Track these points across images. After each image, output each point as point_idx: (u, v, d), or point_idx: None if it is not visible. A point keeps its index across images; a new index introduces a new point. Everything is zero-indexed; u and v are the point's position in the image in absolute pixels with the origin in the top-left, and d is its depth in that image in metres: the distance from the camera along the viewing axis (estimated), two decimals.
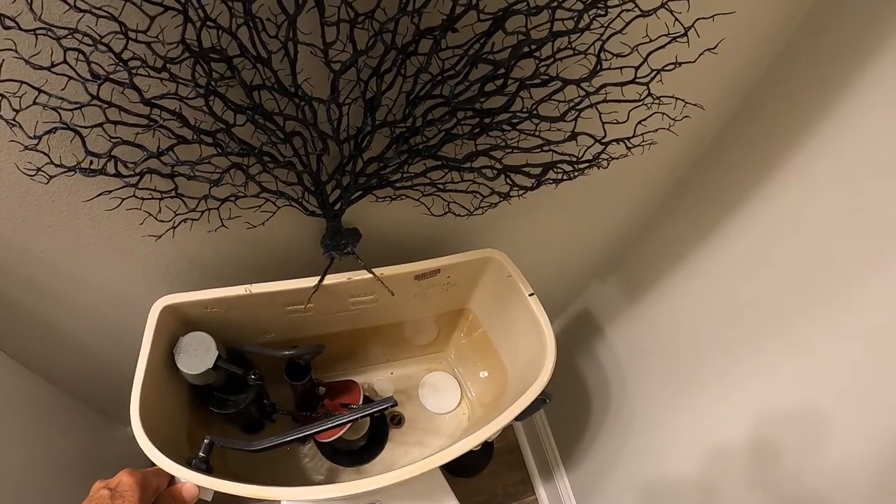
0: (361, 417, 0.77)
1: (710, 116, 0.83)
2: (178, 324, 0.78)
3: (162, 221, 0.68)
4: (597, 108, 0.64)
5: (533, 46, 0.57)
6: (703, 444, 0.95)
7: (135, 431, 0.66)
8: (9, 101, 0.50)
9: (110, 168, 0.58)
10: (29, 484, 0.92)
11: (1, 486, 0.86)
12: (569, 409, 1.43)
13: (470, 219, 0.84)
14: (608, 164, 0.72)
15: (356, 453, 1.05)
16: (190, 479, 0.65)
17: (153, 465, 0.65)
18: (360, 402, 0.96)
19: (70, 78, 0.48)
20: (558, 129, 0.66)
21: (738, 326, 0.86)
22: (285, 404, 1.00)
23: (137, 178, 0.61)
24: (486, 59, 0.58)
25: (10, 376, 0.93)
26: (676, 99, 0.67)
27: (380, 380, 1.12)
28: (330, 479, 1.01)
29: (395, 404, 0.76)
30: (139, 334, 0.72)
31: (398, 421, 1.09)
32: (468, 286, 0.92)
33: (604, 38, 0.57)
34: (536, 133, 0.66)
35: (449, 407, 1.10)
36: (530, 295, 0.82)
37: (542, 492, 1.60)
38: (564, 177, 0.74)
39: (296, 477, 1.00)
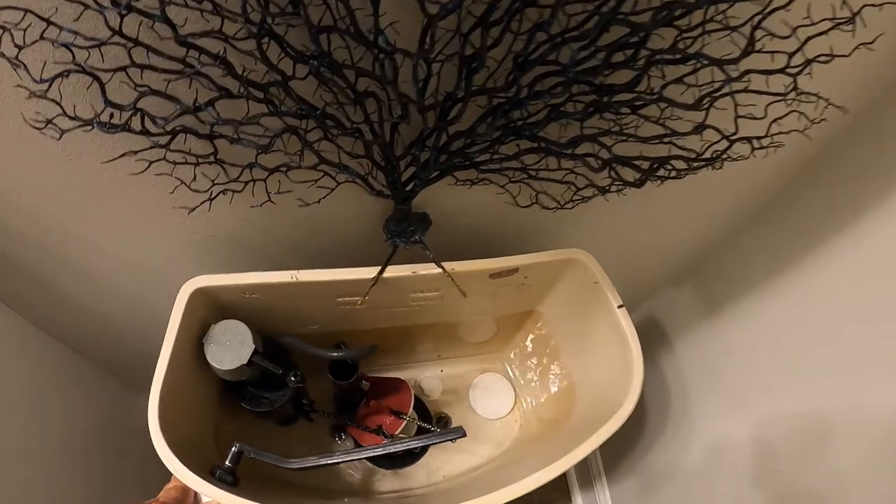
0: (420, 445, 0.64)
1: (841, 120, 0.66)
2: (211, 309, 0.66)
3: (197, 192, 0.55)
4: (734, 98, 0.50)
5: (681, 11, 0.42)
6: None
7: (152, 436, 0.55)
8: (11, 35, 0.37)
9: (135, 124, 0.46)
10: (45, 450, 0.84)
11: (15, 451, 0.77)
12: None
13: (550, 217, 0.71)
14: (721, 166, 0.59)
15: (396, 456, 0.92)
16: (212, 496, 0.54)
17: None
18: (411, 407, 0.83)
19: (85, 6, 0.36)
20: (681, 119, 0.51)
21: (830, 362, 0.72)
22: (323, 398, 0.88)
23: (168, 137, 0.48)
24: (624, 20, 0.43)
25: (31, 338, 0.83)
26: (819, 98, 0.52)
27: (428, 377, 1.00)
28: (366, 481, 0.90)
29: (464, 435, 0.63)
30: (168, 314, 0.60)
31: (444, 423, 0.97)
32: (543, 288, 0.78)
33: (765, 11, 0.42)
34: (661, 120, 0.51)
35: (500, 412, 0.98)
36: (619, 307, 0.68)
37: (579, 502, 1.47)
38: (674, 174, 0.60)
39: (328, 476, 0.89)
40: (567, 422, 0.80)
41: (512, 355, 1.00)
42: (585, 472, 1.42)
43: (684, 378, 1.07)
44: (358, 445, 0.90)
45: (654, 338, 1.16)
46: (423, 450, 0.93)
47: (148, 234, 0.65)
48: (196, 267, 0.69)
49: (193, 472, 0.54)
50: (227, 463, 0.59)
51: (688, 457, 1.04)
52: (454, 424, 0.97)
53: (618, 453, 1.30)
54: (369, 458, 0.91)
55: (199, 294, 0.63)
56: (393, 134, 0.51)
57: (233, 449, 0.59)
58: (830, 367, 0.72)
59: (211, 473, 0.58)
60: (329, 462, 0.60)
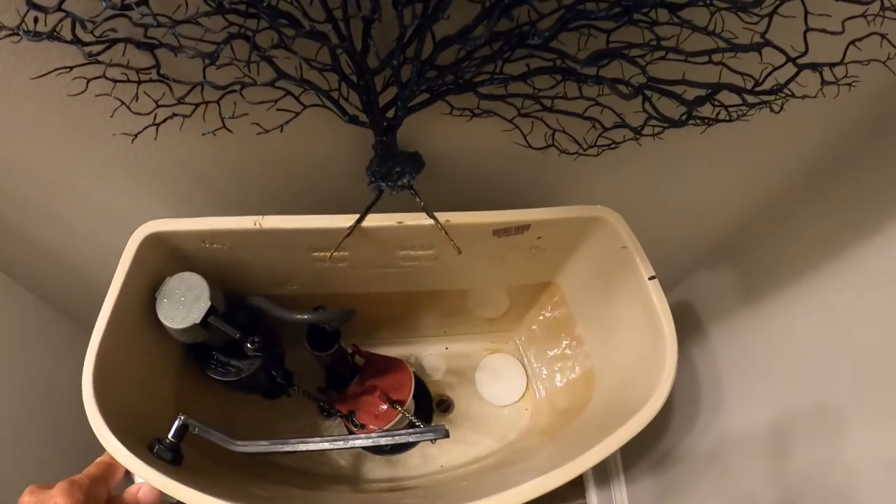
0: (389, 444, 0.54)
1: None
2: (168, 260, 0.58)
3: (139, 115, 0.46)
4: (804, 3, 0.39)
5: None
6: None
7: (84, 399, 0.48)
8: None
9: (65, 31, 0.38)
10: (28, 413, 0.80)
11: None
12: None
13: (568, 166, 0.60)
14: (782, 107, 0.47)
15: None
16: (141, 474, 0.46)
17: None
18: (410, 396, 0.73)
19: None
20: (734, 35, 0.39)
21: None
22: (310, 374, 0.79)
23: (102, 46, 0.40)
24: None
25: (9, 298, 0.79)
26: None
27: (430, 355, 0.90)
28: (356, 467, 0.81)
29: (447, 436, 0.53)
30: None
31: (446, 407, 0.87)
32: (561, 254, 0.67)
33: None
34: (710, 30, 0.39)
35: (510, 399, 0.88)
36: (650, 279, 0.56)
37: (593, 498, 1.37)
38: (723, 114, 0.49)
39: (314, 459, 0.80)
40: (582, 414, 0.69)
41: (525, 335, 0.89)
42: (602, 468, 1.32)
43: (718, 369, 0.95)
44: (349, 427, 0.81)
45: (686, 326, 1.04)
46: None
47: (99, 166, 0.56)
48: (154, 207, 0.60)
49: (127, 445, 0.46)
50: (168, 437, 0.50)
51: (716, 460, 0.92)
52: (458, 409, 0.87)
53: (640, 449, 1.19)
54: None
55: (152, 241, 0.55)
56: (365, 38, 0.40)
57: (176, 422, 0.50)
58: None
59: (148, 448, 0.49)
60: (282, 450, 0.51)
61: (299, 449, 0.51)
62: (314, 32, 0.38)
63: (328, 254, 0.55)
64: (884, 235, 0.61)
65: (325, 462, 0.81)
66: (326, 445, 0.51)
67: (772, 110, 0.48)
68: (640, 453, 1.18)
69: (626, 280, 0.59)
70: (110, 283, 0.52)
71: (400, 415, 0.73)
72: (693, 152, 0.65)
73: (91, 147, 0.53)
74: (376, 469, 0.81)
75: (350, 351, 0.80)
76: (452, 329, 0.90)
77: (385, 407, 0.75)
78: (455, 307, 0.82)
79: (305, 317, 0.56)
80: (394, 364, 0.84)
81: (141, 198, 0.61)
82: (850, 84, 0.45)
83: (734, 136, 0.60)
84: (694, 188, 0.73)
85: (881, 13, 0.40)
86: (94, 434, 0.47)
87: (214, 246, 0.57)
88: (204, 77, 0.43)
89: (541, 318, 0.83)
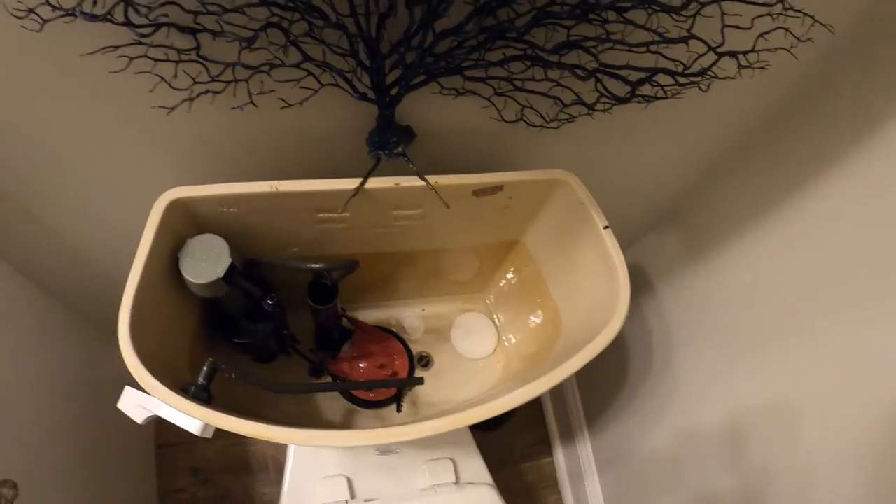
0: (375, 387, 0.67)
1: (830, 44, 0.69)
2: (188, 224, 0.67)
3: (178, 90, 0.56)
4: (720, 6, 0.53)
5: None
6: (754, 427, 0.84)
7: (121, 345, 0.55)
8: None
9: (118, 14, 0.47)
10: (17, 398, 0.84)
11: None
12: (601, 369, 1.33)
13: (534, 137, 0.73)
14: (708, 87, 0.62)
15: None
16: (186, 410, 0.54)
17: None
18: (395, 367, 0.85)
19: None
20: (667, 31, 0.54)
21: (805, 309, 0.75)
22: (304, 338, 0.90)
23: (152, 29, 0.49)
24: None
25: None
26: (805, 15, 0.57)
27: (409, 316, 1.02)
28: (347, 421, 0.92)
29: (422, 382, 0.66)
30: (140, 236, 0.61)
31: (426, 363, 0.99)
32: (528, 212, 0.80)
33: None
34: (647, 26, 0.54)
35: (482, 353, 1.00)
36: (605, 228, 0.70)
37: (560, 456, 1.51)
38: (660, 93, 0.64)
39: (308, 415, 0.91)
40: (550, 354, 0.83)
41: (493, 294, 1.03)
42: (567, 425, 1.46)
43: (667, 324, 1.09)
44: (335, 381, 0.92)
45: (637, 285, 1.18)
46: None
47: (125, 140, 0.65)
48: (176, 180, 0.69)
49: (169, 387, 0.54)
50: (200, 380, 0.60)
51: (671, 402, 1.07)
52: (437, 364, 1.00)
53: (600, 405, 1.33)
54: (350, 398, 0.93)
55: (175, 206, 0.64)
56: (379, 29, 0.52)
57: (206, 366, 0.60)
58: (805, 319, 0.75)
59: (183, 391, 0.57)
60: (314, 389, 0.62)
61: (328, 389, 0.62)
62: (339, 24, 0.50)
63: (338, 210, 0.66)
64: (800, 194, 0.76)
65: (319, 417, 0.92)
66: (346, 386, 0.62)
67: (700, 89, 0.63)
68: (602, 407, 1.31)
69: (585, 232, 0.73)
70: (124, 275, 0.59)
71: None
72: (637, 126, 0.78)
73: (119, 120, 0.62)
74: (366, 421, 0.93)
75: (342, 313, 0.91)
76: (429, 292, 1.02)
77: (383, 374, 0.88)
78: (430, 271, 0.95)
79: (318, 266, 0.67)
80: (381, 339, 0.96)
81: (164, 171, 0.70)
82: (762, 67, 0.61)
83: (671, 112, 0.74)
84: (639, 156, 0.88)
85: (783, 12, 0.55)
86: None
87: (231, 210, 0.67)
88: (238, 58, 0.53)
89: (509, 275, 0.96)
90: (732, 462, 0.87)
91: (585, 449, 1.39)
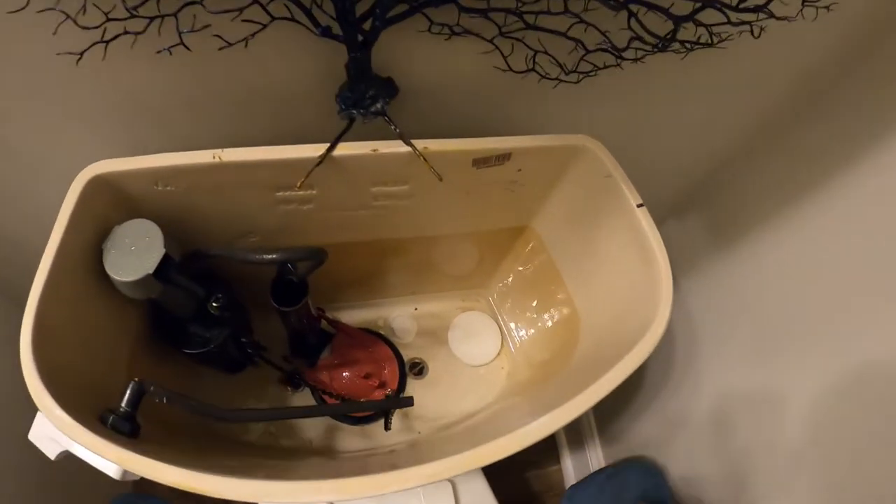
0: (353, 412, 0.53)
1: None
2: (117, 208, 0.54)
3: (86, 28, 0.42)
4: None
5: None
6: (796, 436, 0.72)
7: (22, 360, 0.43)
8: None
9: None
10: None
11: None
12: None
13: (548, 96, 0.59)
14: (760, 33, 0.51)
15: None
16: (98, 450, 0.41)
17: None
18: (382, 376, 0.72)
19: None
20: None
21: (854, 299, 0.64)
22: (277, 347, 0.76)
23: None
24: None
25: None
26: None
27: (400, 317, 0.89)
28: (328, 439, 0.79)
29: (411, 404, 0.53)
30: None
31: (419, 370, 0.86)
32: (540, 189, 0.66)
33: None
34: None
35: (485, 358, 0.88)
36: (639, 206, 0.56)
37: (568, 463, 1.39)
38: (704, 37, 0.52)
39: (286, 434, 0.78)
40: (568, 365, 0.70)
41: (497, 291, 0.90)
42: (576, 431, 1.34)
43: (691, 320, 0.97)
44: (314, 392, 0.79)
45: None
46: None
47: (36, 100, 0.51)
48: (98, 154, 0.56)
49: (74, 416, 0.41)
50: (122, 406, 0.46)
51: (693, 412, 0.94)
52: (432, 372, 0.86)
53: (615, 409, 1.21)
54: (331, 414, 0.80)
55: (98, 184, 0.51)
56: None
57: (130, 386, 0.46)
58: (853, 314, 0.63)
59: (101, 421, 0.45)
60: (258, 416, 0.48)
61: (276, 417, 0.49)
62: None
63: (297, 184, 0.51)
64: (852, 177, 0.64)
65: (294, 435, 0.79)
66: (308, 412, 0.49)
67: (752, 34, 0.50)
68: (615, 412, 1.20)
69: (612, 211, 0.59)
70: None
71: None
72: (671, 86, 0.65)
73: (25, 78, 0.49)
74: (351, 440, 0.80)
75: (316, 314, 0.77)
76: (422, 288, 0.89)
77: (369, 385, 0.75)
78: (423, 263, 0.81)
79: (271, 256, 0.52)
80: (369, 343, 0.83)
81: (81, 141, 0.56)
82: (828, 6, 0.48)
83: (712, 66, 0.61)
84: (670, 125, 0.74)
85: None
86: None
87: (168, 188, 0.53)
88: None
89: (516, 268, 0.83)
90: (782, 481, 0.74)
91: (596, 455, 1.27)
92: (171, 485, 0.40)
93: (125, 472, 0.44)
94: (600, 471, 0.99)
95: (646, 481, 0.91)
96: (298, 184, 0.50)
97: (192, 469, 0.41)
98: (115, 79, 0.50)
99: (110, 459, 0.40)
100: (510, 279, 0.86)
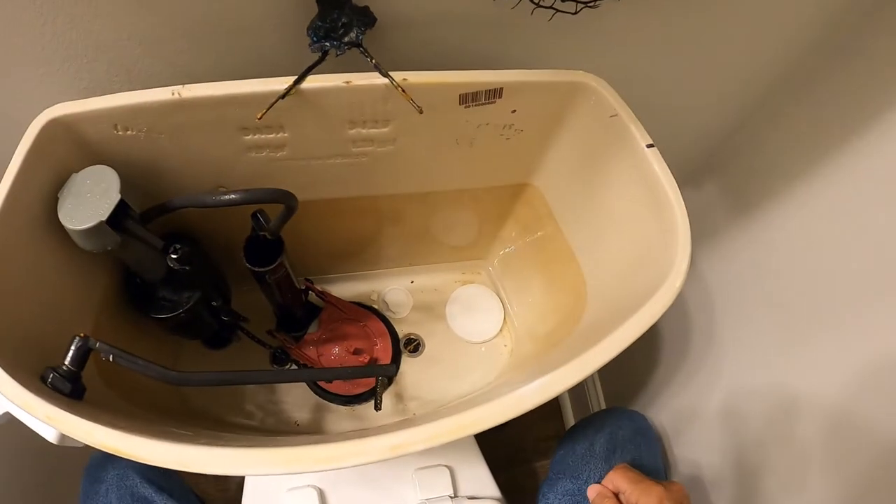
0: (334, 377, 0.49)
1: None
2: (76, 154, 0.50)
3: None
4: None
5: None
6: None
7: None
8: None
9: None
10: None
11: None
12: (627, 353, 1.14)
13: (543, 32, 0.55)
14: None
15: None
16: (31, 410, 0.37)
17: None
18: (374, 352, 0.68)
19: None
20: None
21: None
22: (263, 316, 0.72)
23: None
24: None
25: None
26: None
27: (395, 289, 0.84)
28: (316, 420, 0.75)
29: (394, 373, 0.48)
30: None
31: (415, 347, 0.82)
32: (539, 137, 0.61)
33: None
34: None
35: (486, 334, 0.83)
36: (649, 146, 0.51)
37: None
38: None
39: (273, 411, 0.74)
40: (571, 332, 0.65)
41: (498, 260, 0.85)
42: (586, 414, 1.29)
43: (710, 296, 0.92)
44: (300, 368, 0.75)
45: None
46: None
47: None
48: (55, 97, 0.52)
49: (10, 373, 0.37)
50: (65, 364, 0.42)
51: (712, 395, 0.89)
52: (428, 349, 0.82)
53: (627, 394, 1.16)
54: (318, 390, 0.76)
55: (55, 128, 0.47)
56: None
57: (74, 344, 0.42)
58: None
59: (41, 379, 0.41)
60: (230, 380, 0.44)
61: (244, 381, 0.44)
62: None
63: (257, 116, 0.46)
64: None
65: (279, 415, 0.75)
66: (281, 376, 0.45)
67: None
68: (627, 397, 1.15)
69: (620, 156, 0.54)
70: None
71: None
72: (682, 25, 0.60)
73: None
74: (340, 422, 0.75)
75: (303, 287, 0.73)
76: (418, 259, 0.84)
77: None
78: (418, 233, 0.77)
79: (230, 196, 0.47)
80: (361, 314, 0.79)
81: (32, 88, 0.52)
82: None
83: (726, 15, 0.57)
84: (682, 74, 0.69)
85: None
86: None
87: (129, 133, 0.49)
88: None
89: (521, 234, 0.78)
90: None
91: None
92: (108, 450, 0.36)
93: (63, 437, 0.40)
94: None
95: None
96: (259, 115, 0.46)
97: (137, 434, 0.37)
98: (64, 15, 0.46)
99: (38, 418, 0.36)
100: (511, 247, 0.81)
